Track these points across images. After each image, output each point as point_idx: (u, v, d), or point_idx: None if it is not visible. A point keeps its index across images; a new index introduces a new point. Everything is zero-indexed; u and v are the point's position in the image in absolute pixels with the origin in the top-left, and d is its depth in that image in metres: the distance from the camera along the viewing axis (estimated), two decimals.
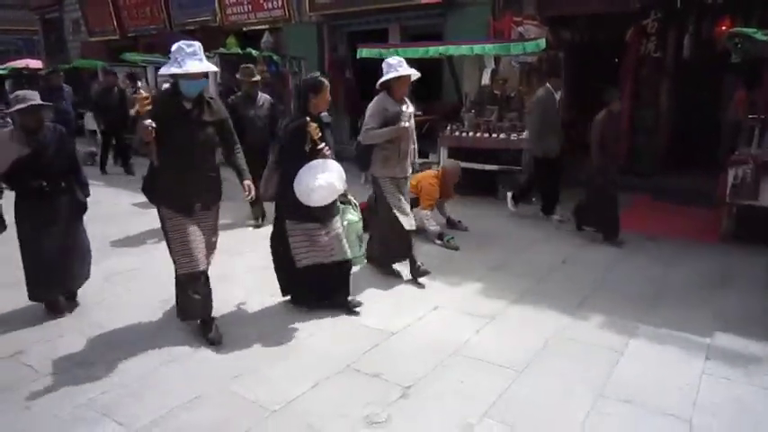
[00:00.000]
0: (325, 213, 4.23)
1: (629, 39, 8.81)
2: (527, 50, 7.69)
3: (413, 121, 4.96)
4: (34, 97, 4.04)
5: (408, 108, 4.88)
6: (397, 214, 4.87)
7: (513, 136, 8.11)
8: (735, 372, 3.56)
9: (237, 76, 7.66)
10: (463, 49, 8.19)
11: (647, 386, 3.38)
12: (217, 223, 4.13)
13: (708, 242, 6.21)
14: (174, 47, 3.65)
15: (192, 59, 3.61)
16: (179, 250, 3.85)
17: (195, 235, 3.85)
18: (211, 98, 3.95)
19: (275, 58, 11.23)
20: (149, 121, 3.51)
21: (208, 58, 11.38)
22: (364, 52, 9.02)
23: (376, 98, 4.88)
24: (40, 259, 4.19)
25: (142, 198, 4.04)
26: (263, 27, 13.30)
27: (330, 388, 3.40)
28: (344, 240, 4.39)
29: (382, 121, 4.76)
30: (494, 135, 8.26)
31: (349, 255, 4.39)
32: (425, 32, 10.96)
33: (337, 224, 4.37)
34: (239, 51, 11.23)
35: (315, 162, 4.05)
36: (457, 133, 8.61)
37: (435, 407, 3.20)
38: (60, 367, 3.65)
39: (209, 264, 4.01)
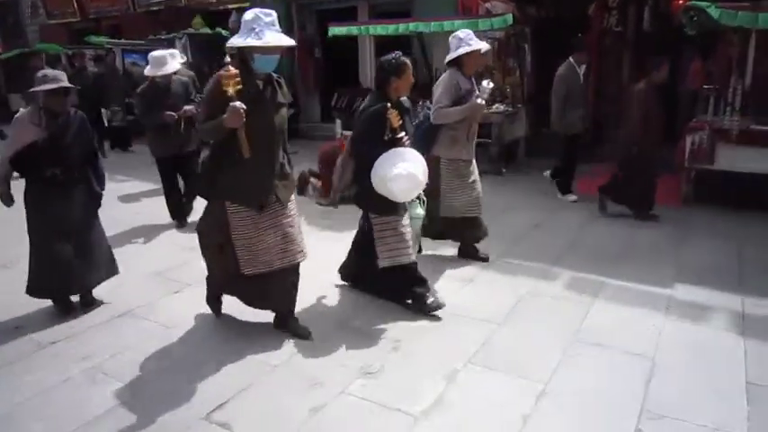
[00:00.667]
0: (402, 206, 3.93)
1: (592, 13, 9.10)
2: (494, 26, 7.91)
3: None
4: (63, 78, 3.75)
5: (488, 84, 4.60)
6: (443, 203, 4.65)
7: (484, 110, 8.35)
8: (693, 317, 3.91)
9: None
10: (433, 26, 8.37)
11: (614, 331, 3.71)
12: (295, 215, 3.65)
13: (670, 205, 6.59)
14: (248, 15, 3.21)
15: (271, 30, 3.19)
16: (243, 252, 3.48)
17: (265, 235, 3.46)
18: (280, 77, 3.50)
19: None
20: (239, 103, 3.07)
21: (176, 39, 11.41)
22: (335, 30, 9.12)
23: (445, 74, 4.57)
24: (48, 253, 3.91)
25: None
26: (230, 6, 13.22)
27: (328, 344, 3.63)
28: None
29: (455, 99, 4.47)
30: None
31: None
32: (394, 10, 11.08)
33: (407, 219, 4.00)
34: (209, 32, 11.19)
35: (393, 150, 3.66)
36: (428, 109, 8.81)
37: (423, 357, 3.47)
38: (61, 338, 3.80)
39: (300, 255, 3.66)
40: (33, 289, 4.01)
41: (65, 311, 4.08)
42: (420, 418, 2.87)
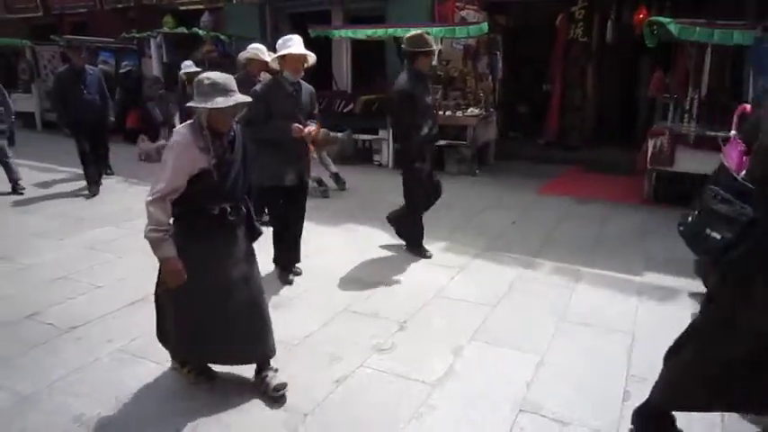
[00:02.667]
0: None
1: (558, 24, 9.66)
2: (471, 34, 8.36)
3: None
4: (234, 86, 2.79)
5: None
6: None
7: (458, 113, 8.79)
8: (662, 299, 4.38)
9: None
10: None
11: (596, 312, 4.13)
12: None
13: (633, 203, 7.14)
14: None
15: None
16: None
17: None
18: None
19: (222, 38, 11.35)
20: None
21: (150, 38, 11.43)
22: (316, 33, 9.40)
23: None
24: (212, 316, 3.00)
25: None
26: (201, 6, 13.30)
27: (338, 326, 3.93)
28: None
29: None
30: (440, 112, 8.89)
31: None
32: (367, 15, 11.39)
33: None
34: (185, 31, 11.27)
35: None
36: None
37: (430, 335, 3.80)
38: (80, 323, 3.96)
39: None
40: (186, 352, 3.22)
41: (205, 379, 3.24)
42: (436, 385, 3.21)
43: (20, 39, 14.63)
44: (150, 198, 2.73)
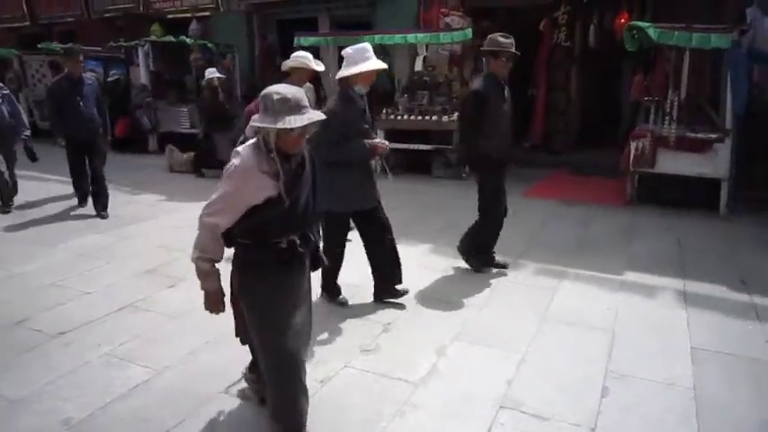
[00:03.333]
0: None
1: (542, 29, 9.79)
2: (455, 40, 8.47)
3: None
4: (306, 102, 2.41)
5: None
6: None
7: (444, 118, 8.89)
8: (643, 298, 4.47)
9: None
10: (397, 38, 8.86)
11: (577, 312, 4.21)
12: None
13: (616, 205, 7.26)
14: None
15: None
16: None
17: None
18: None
19: (210, 46, 11.42)
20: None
21: (138, 46, 11.45)
22: (302, 40, 9.48)
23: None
24: (292, 374, 2.63)
25: None
26: (189, 15, 13.37)
27: (323, 329, 3.97)
28: None
29: None
30: (426, 117, 9.01)
31: None
32: (355, 22, 11.51)
33: None
34: (173, 39, 11.32)
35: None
36: (392, 117, 9.30)
37: (413, 336, 3.87)
38: (69, 329, 4.00)
39: None
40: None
41: None
42: (419, 384, 3.28)
43: (7, 48, 14.62)
44: (203, 218, 2.45)
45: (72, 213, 7.15)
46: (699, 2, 8.25)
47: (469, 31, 8.31)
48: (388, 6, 10.79)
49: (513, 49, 4.59)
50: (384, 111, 9.43)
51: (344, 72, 3.88)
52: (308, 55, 5.21)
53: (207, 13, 13.27)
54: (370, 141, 4.04)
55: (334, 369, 3.44)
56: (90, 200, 7.17)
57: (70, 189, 7.67)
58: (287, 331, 2.56)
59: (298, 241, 2.55)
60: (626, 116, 9.60)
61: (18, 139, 7.07)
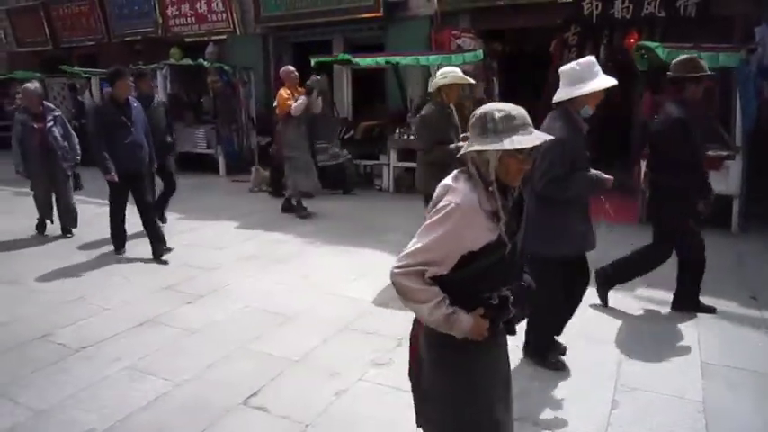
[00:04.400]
0: None
1: (552, 50, 9.90)
2: (466, 61, 8.61)
3: None
4: (529, 119, 1.96)
5: None
6: None
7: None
8: (654, 313, 4.53)
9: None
10: (409, 60, 9.04)
11: (587, 328, 4.23)
12: None
13: (629, 223, 7.29)
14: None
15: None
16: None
17: None
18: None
19: (226, 68, 11.68)
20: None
21: (157, 69, 11.72)
22: (320, 60, 9.76)
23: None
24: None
25: None
26: (206, 38, 13.70)
27: (337, 343, 4.07)
28: None
29: None
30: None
31: None
32: (368, 44, 11.72)
33: None
34: (190, 62, 11.61)
35: None
36: (405, 136, 9.43)
37: None
38: (91, 343, 4.12)
39: None
40: None
41: None
42: None
43: (31, 71, 15.04)
44: (398, 270, 1.93)
45: (89, 230, 7.27)
46: (708, 21, 8.32)
47: (481, 53, 8.47)
48: (400, 29, 10.99)
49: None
50: (397, 131, 9.57)
51: (573, 92, 3.28)
52: (457, 69, 4.85)
53: (223, 37, 13.58)
54: (596, 173, 3.44)
55: (349, 382, 3.52)
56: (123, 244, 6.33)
57: (86, 205, 7.79)
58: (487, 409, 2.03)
59: (510, 297, 1.95)
60: (637, 134, 9.64)
61: (70, 165, 6.82)
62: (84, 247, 6.57)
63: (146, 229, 6.14)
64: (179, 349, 4.01)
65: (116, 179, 5.79)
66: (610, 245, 6.34)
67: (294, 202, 7.93)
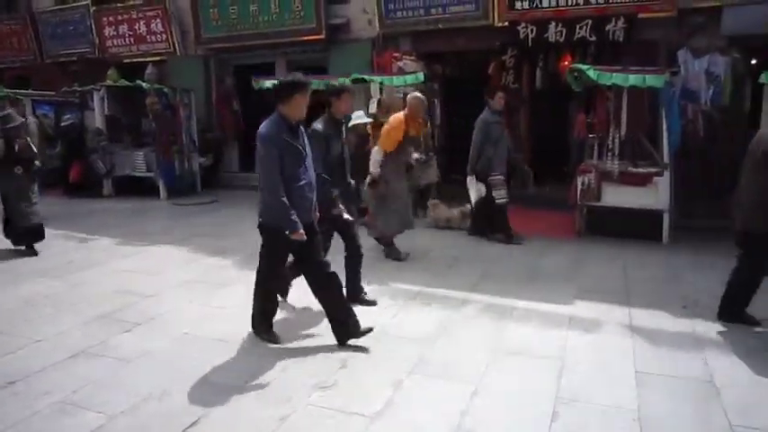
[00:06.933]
0: None
1: (491, 72, 10.20)
2: (408, 83, 8.76)
3: None
4: None
5: None
6: None
7: None
8: (591, 326, 4.65)
9: None
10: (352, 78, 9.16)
11: (528, 341, 4.36)
12: None
13: (566, 237, 7.53)
14: None
15: None
16: None
17: None
18: None
19: (166, 90, 11.47)
20: None
21: (94, 91, 11.43)
22: (262, 84, 9.71)
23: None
24: None
25: None
26: (146, 60, 13.44)
27: (280, 367, 3.99)
28: None
29: None
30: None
31: None
32: (311, 66, 11.76)
33: None
34: (129, 84, 11.34)
35: None
36: None
37: (370, 371, 3.93)
38: (19, 377, 3.91)
39: None
40: None
41: None
42: (374, 417, 3.33)
43: None
44: None
45: (22, 260, 6.96)
46: (635, 45, 8.77)
47: (422, 75, 8.64)
48: (343, 51, 11.12)
49: None
50: None
51: None
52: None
53: (163, 58, 13.37)
54: None
55: (292, 407, 3.46)
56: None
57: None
58: None
59: None
60: (573, 153, 9.99)
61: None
62: (13, 278, 6.25)
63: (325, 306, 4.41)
64: (114, 381, 3.85)
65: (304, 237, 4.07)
66: (549, 257, 6.56)
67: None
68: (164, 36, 13.14)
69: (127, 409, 3.47)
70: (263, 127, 4.03)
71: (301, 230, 4.00)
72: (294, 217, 3.98)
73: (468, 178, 7.40)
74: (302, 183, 4.12)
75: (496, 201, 7.30)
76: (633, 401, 3.45)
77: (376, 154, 6.27)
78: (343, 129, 5.04)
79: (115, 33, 13.77)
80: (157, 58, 13.38)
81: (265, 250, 4.43)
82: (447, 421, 3.28)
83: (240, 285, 5.84)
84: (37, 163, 7.05)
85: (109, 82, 12.15)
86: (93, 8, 13.74)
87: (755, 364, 3.94)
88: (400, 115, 6.37)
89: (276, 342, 4.38)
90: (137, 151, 11.65)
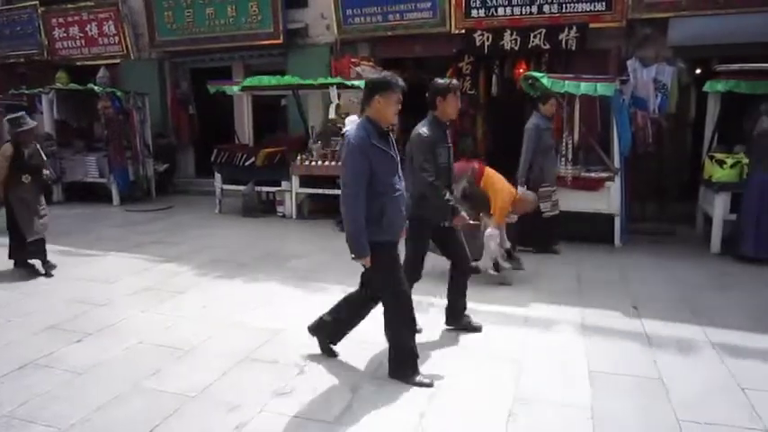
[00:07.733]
0: None
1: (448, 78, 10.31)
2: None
3: None
4: None
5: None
6: None
7: None
8: (546, 328, 4.75)
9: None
10: (308, 81, 9.18)
11: (486, 344, 4.43)
12: None
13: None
14: None
15: None
16: None
17: None
18: None
19: (118, 93, 11.20)
20: None
21: (42, 94, 11.11)
22: (220, 88, 9.60)
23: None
24: None
25: None
26: (98, 62, 13.11)
27: (236, 374, 3.95)
28: None
29: None
30: (339, 163, 9.17)
31: None
32: (268, 70, 11.67)
33: None
34: (79, 87, 11.03)
35: None
36: (307, 162, 9.44)
37: (328, 377, 3.91)
38: None
39: None
40: None
41: None
42: (333, 422, 3.32)
43: None
44: None
45: None
46: (587, 54, 9.02)
47: None
48: (301, 55, 11.08)
49: None
50: (299, 157, 9.56)
51: None
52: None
53: (116, 61, 13.07)
54: None
55: (249, 414, 3.42)
56: None
57: None
58: None
59: None
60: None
61: None
62: None
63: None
64: (65, 393, 3.73)
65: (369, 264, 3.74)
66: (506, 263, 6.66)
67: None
68: (116, 38, 12.85)
69: (77, 422, 3.37)
70: (350, 132, 3.65)
71: (369, 257, 3.62)
72: (364, 240, 3.57)
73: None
74: (398, 194, 3.71)
75: (543, 214, 6.86)
76: (587, 399, 3.54)
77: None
78: (447, 133, 4.54)
79: (65, 35, 13.38)
80: (110, 61, 13.08)
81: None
82: (405, 423, 3.30)
83: (195, 291, 5.77)
84: (46, 172, 6.50)
85: (58, 85, 11.80)
86: (42, 8, 13.30)
87: (701, 362, 4.10)
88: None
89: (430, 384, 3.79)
90: (88, 156, 11.34)
